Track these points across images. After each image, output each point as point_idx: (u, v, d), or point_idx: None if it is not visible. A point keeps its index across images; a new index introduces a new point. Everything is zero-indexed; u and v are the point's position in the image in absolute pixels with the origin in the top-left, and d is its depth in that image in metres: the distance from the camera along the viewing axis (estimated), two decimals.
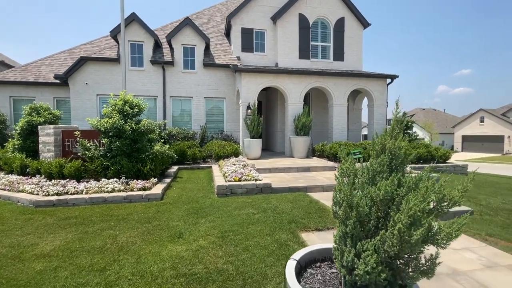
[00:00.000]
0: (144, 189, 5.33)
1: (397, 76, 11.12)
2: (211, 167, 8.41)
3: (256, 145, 9.26)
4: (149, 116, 11.08)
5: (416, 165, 8.49)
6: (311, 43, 12.23)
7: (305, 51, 12.08)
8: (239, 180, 5.72)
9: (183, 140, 10.26)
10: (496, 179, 8.92)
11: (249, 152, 9.31)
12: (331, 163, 8.15)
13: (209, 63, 11.22)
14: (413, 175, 1.82)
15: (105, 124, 5.79)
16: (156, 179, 5.93)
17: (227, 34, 13.27)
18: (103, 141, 5.94)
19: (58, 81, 10.38)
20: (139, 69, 10.86)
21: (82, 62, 10.27)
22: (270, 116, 13.29)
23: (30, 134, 7.43)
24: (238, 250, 3.21)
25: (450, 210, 4.40)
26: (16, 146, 7.36)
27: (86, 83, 10.39)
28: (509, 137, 32.95)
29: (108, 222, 4.09)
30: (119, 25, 10.40)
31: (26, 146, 7.37)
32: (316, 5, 12.08)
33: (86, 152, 5.99)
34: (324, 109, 12.13)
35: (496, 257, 3.22)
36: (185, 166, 8.58)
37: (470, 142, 38.21)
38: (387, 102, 11.32)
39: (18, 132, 7.36)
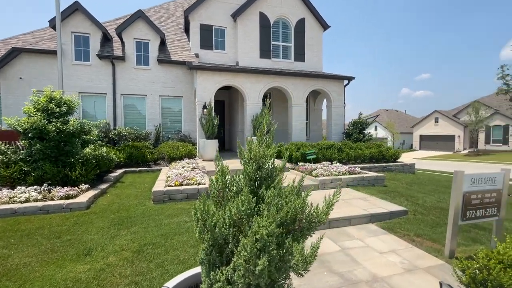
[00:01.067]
0: (67, 197, 4.73)
1: (354, 78, 11.42)
2: (161, 170, 7.90)
3: (211, 146, 8.90)
4: (97, 115, 10.23)
5: (368, 165, 8.71)
6: (272, 42, 12.13)
7: (266, 51, 11.94)
8: (180, 185, 5.34)
9: (134, 141, 9.58)
10: (440, 177, 9.48)
11: (204, 154, 8.93)
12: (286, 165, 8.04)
13: (164, 59, 10.61)
14: (285, 188, 1.60)
15: (24, 124, 5.07)
16: (87, 186, 5.34)
17: (186, 30, 12.70)
18: (22, 143, 5.22)
19: None
20: (85, 63, 9.94)
21: (15, 53, 9.14)
22: (233, 116, 12.99)
23: None
24: (151, 267, 2.87)
25: (388, 210, 4.38)
26: None
27: (21, 78, 9.27)
28: (459, 136, 35.99)
29: (7, 239, 3.51)
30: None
31: None
32: (277, 4, 12.00)
33: (4, 156, 5.21)
34: (285, 109, 12.08)
35: (418, 259, 3.23)
36: (133, 169, 7.97)
37: (427, 141, 41.18)
38: (344, 103, 11.57)
39: None
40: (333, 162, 8.22)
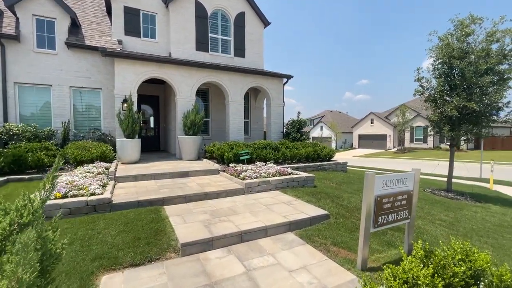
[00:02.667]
0: None
1: (292, 76, 11.31)
2: (60, 175, 6.40)
3: (131, 146, 7.67)
4: None
5: (304, 164, 8.55)
6: (210, 35, 11.28)
7: (203, 43, 11.04)
8: (64, 196, 4.16)
9: (32, 141, 7.73)
10: None
11: (122, 156, 7.65)
12: (216, 166, 7.33)
13: (76, 43, 8.89)
14: None
15: None
16: None
17: (109, 12, 11.01)
18: None
19: None
20: None
21: None
22: (168, 113, 11.76)
23: None
24: None
25: (309, 215, 3.93)
26: None
27: None
28: (390, 136, 40.28)
29: None
30: None
31: None
32: None
33: None
34: (224, 107, 11.39)
35: (329, 276, 2.81)
36: (21, 176, 6.29)
37: (364, 140, 45.17)
38: (283, 102, 11.39)
39: None
40: (268, 162, 7.80)
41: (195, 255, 3.19)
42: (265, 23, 12.52)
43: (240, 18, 11.84)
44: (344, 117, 59.89)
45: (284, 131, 11.44)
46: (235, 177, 6.12)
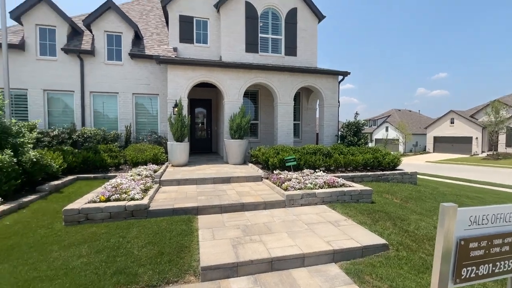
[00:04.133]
0: None
1: (349, 73, 10.11)
2: (116, 176, 6.94)
3: (180, 149, 7.88)
4: (65, 115, 9.46)
5: (361, 173, 7.44)
6: (260, 35, 10.98)
7: (253, 44, 10.81)
8: (107, 200, 4.32)
9: (101, 143, 8.70)
10: (447, 188, 8.06)
11: (172, 158, 7.92)
12: (260, 172, 6.92)
13: (138, 53, 9.70)
14: None
15: None
16: (0, 199, 4.43)
17: (167, 23, 11.77)
18: None
19: None
20: (50, 58, 9.17)
21: None
22: (218, 116, 11.96)
23: None
24: None
25: (361, 243, 3.16)
26: None
27: None
28: (477, 138, 33.50)
29: None
30: (20, 5, 8.72)
31: None
32: None
33: None
34: (273, 108, 10.94)
35: None
36: (87, 175, 7.06)
37: (441, 143, 38.71)
38: (339, 102, 10.29)
39: None
40: (318, 169, 7.01)
41: (216, 281, 2.79)
42: (319, 17, 11.58)
43: (292, 15, 11.21)
44: (415, 117, 52.69)
45: (339, 134, 10.32)
46: (278, 186, 5.58)
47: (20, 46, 8.77)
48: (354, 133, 9.62)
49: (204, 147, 12.74)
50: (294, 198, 4.95)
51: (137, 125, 10.05)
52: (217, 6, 10.50)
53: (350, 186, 5.56)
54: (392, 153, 8.82)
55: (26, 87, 8.99)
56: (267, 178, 6.51)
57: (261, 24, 11.00)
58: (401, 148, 42.41)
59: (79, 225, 3.96)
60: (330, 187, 5.46)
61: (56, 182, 5.99)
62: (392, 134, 44.94)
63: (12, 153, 4.78)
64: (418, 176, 8.55)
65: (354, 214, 4.50)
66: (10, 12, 8.60)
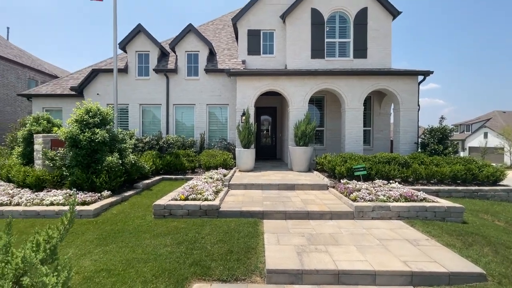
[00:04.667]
0: (83, 203, 4.96)
1: (431, 72, 8.87)
2: (192, 178, 7.80)
3: (246, 156, 8.32)
4: (153, 124, 11.18)
5: (448, 187, 6.39)
6: (326, 40, 10.75)
7: (318, 50, 10.66)
8: (186, 199, 4.92)
9: (180, 149, 9.94)
10: None
11: (240, 164, 8.43)
12: (325, 181, 6.70)
13: (211, 68, 10.77)
14: None
15: (64, 134, 5.69)
16: (109, 193, 5.57)
17: (237, 38, 12.70)
18: (62, 151, 5.87)
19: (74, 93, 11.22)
20: (145, 78, 11.06)
21: (94, 74, 10.93)
22: (283, 123, 12.15)
23: (30, 143, 7.95)
24: None
25: (448, 269, 2.78)
26: (19, 153, 7.95)
27: (98, 94, 11.01)
28: None
29: None
30: (125, 37, 10.84)
31: (26, 154, 7.90)
32: None
33: (50, 161, 5.99)
34: (340, 114, 10.46)
35: None
36: (170, 176, 8.16)
37: None
38: (418, 105, 9.11)
39: (20, 140, 7.95)
40: (392, 181, 6.36)
41: (281, 285, 2.84)
42: (394, 13, 10.61)
43: (362, 15, 10.60)
44: None
45: (419, 141, 9.11)
46: (345, 196, 5.30)
47: (124, 70, 10.89)
48: (439, 140, 8.33)
49: (269, 154, 13.08)
50: (364, 210, 4.61)
51: (209, 132, 11.10)
52: (283, 17, 10.79)
53: (433, 202, 4.85)
54: (493, 164, 7.28)
55: (127, 102, 11.06)
56: (333, 187, 6.26)
57: (327, 29, 10.77)
58: (507, 159, 34.28)
59: (164, 218, 4.62)
60: (408, 201, 4.87)
61: (147, 181, 7.13)
62: (494, 141, 36.80)
63: (118, 155, 5.95)
64: None
65: (439, 234, 3.90)
66: (118, 44, 10.79)
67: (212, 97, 10.99)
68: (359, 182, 6.11)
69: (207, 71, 10.81)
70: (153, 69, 10.84)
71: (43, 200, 5.02)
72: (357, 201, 4.89)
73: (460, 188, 6.33)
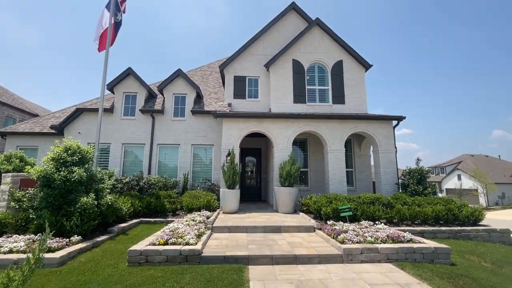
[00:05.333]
0: (48, 250, 4.44)
1: (404, 118, 9.60)
2: (173, 221, 7.34)
3: (231, 196, 8.10)
4: (135, 164, 10.85)
5: (432, 228, 6.42)
6: (307, 87, 11.59)
7: (300, 95, 11.40)
8: (165, 243, 4.56)
9: (162, 190, 9.54)
10: None
11: (223, 205, 8.14)
12: (312, 222, 6.54)
13: (198, 110, 11.06)
14: None
15: (37, 173, 5.35)
16: (78, 238, 5.06)
17: (223, 83, 13.41)
18: (31, 191, 5.45)
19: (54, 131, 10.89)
20: (130, 118, 11.08)
21: (78, 113, 10.84)
22: (268, 164, 12.22)
23: None
24: None
25: None
26: None
27: (79, 133, 10.76)
28: None
29: None
30: (114, 79, 11.12)
31: None
32: (311, 50, 11.79)
33: (16, 203, 5.50)
34: (323, 156, 10.76)
35: None
36: (149, 219, 7.65)
37: None
38: (395, 147, 9.61)
39: None
40: (378, 222, 6.33)
41: None
42: (366, 66, 11.83)
43: (338, 67, 11.72)
44: (495, 163, 45.05)
45: (399, 182, 9.38)
46: (333, 238, 5.15)
47: (110, 109, 10.91)
48: (417, 181, 8.63)
49: (254, 195, 12.82)
50: (352, 253, 4.46)
51: (193, 173, 10.87)
52: (267, 66, 11.69)
53: (420, 243, 4.81)
54: (470, 205, 7.51)
55: (110, 141, 10.83)
56: (320, 229, 6.10)
57: (307, 78, 11.70)
58: (482, 200, 35.68)
59: (140, 266, 4.19)
60: (395, 242, 4.80)
61: (123, 225, 6.62)
62: (468, 183, 38.61)
63: (94, 196, 5.59)
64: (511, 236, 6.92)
65: (430, 277, 3.78)
66: (106, 85, 11.00)
67: (197, 137, 11.06)
68: (346, 224, 6.02)
69: (193, 112, 11.06)
70: (140, 110, 10.95)
71: (0, 247, 4.45)
72: (345, 243, 4.75)
73: (444, 228, 6.37)
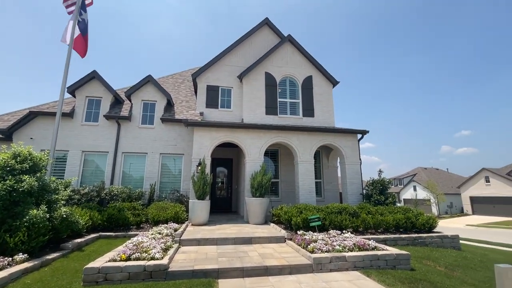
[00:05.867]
0: None
1: (367, 132, 10.28)
2: (137, 235, 6.86)
3: (201, 207, 7.84)
4: (96, 174, 10.06)
5: (394, 235, 6.80)
6: (279, 99, 11.91)
7: (272, 107, 11.65)
8: (128, 259, 4.22)
9: (126, 201, 8.92)
10: (499, 256, 7.02)
11: (193, 216, 7.83)
12: (282, 233, 6.56)
13: (168, 118, 10.71)
14: None
15: None
16: (24, 256, 4.47)
17: (196, 91, 13.23)
18: None
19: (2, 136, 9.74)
20: (92, 124, 10.33)
21: (31, 116, 9.85)
22: (239, 175, 12.13)
23: None
24: None
25: None
26: None
27: (31, 138, 9.75)
28: None
29: None
30: (77, 82, 10.38)
31: None
32: (282, 64, 12.22)
33: None
34: (294, 167, 10.99)
35: None
36: (109, 233, 7.05)
37: (480, 204, 35.23)
38: (360, 159, 10.18)
39: None
40: (345, 230, 6.55)
41: None
42: (333, 82, 12.55)
43: (308, 82, 12.27)
44: (444, 175, 49.79)
45: (364, 192, 9.89)
46: (303, 248, 5.20)
47: (70, 114, 10.09)
48: (380, 191, 9.19)
49: (224, 207, 12.56)
50: (322, 262, 4.53)
51: (161, 183, 10.36)
52: (240, 77, 11.82)
53: (383, 250, 5.06)
54: (425, 214, 8.14)
55: (67, 148, 9.93)
56: (290, 239, 6.13)
57: (279, 90, 12.04)
58: (434, 210, 38.94)
59: (97, 286, 3.81)
60: (361, 250, 5.00)
61: (79, 240, 6.01)
62: (422, 194, 42.03)
63: (46, 209, 5.02)
64: (461, 241, 7.63)
65: (393, 283, 3.97)
66: (67, 87, 10.20)
67: (167, 146, 10.64)
68: (315, 233, 6.13)
69: (163, 120, 10.69)
70: (104, 115, 10.27)
71: None
72: (315, 253, 4.82)
73: (403, 236, 6.80)
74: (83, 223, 6.25)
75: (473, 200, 36.39)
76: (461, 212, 38.44)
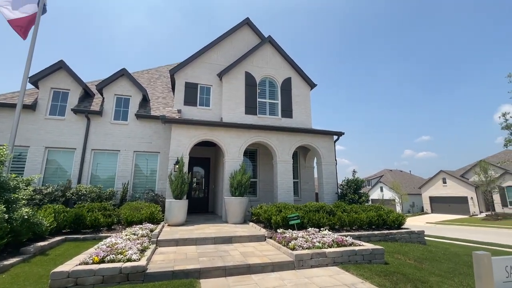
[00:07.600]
0: None
1: (343, 133, 10.70)
2: (110, 236, 6.44)
3: (178, 207, 7.58)
4: (60, 172, 9.29)
5: (367, 232, 7.13)
6: (259, 99, 11.96)
7: (251, 107, 11.66)
8: (101, 261, 3.93)
9: (95, 201, 8.34)
10: (458, 249, 7.68)
11: (169, 217, 7.55)
12: (262, 232, 6.57)
13: (143, 114, 10.23)
14: None
15: None
16: None
17: (173, 88, 12.83)
18: None
19: None
20: (58, 118, 9.54)
21: None
22: (217, 174, 11.95)
23: None
24: None
25: None
26: None
27: None
28: (472, 198, 33.51)
29: None
30: (41, 71, 9.53)
31: None
32: (263, 65, 12.29)
33: None
34: (272, 167, 11.09)
35: None
36: (77, 236, 6.53)
37: (438, 203, 38.36)
38: (335, 160, 10.57)
39: None
40: (323, 228, 6.73)
41: None
42: (311, 85, 12.89)
43: (287, 83, 12.47)
44: (407, 177, 53.49)
45: (339, 192, 10.27)
46: (284, 246, 5.25)
47: (31, 107, 9.22)
48: (354, 190, 9.60)
49: (201, 207, 12.29)
50: (303, 259, 4.61)
51: (134, 182, 9.86)
52: (220, 75, 11.68)
53: (360, 245, 5.28)
54: (395, 212, 8.66)
55: (28, 144, 9.07)
56: (271, 238, 6.16)
57: (259, 91, 12.09)
58: (398, 209, 41.60)
59: None
60: (340, 246, 5.17)
61: (42, 243, 5.48)
62: (388, 194, 44.71)
63: (4, 209, 4.52)
64: (425, 237, 8.22)
65: (370, 276, 4.15)
66: (29, 77, 9.31)
67: (141, 143, 10.16)
68: (295, 231, 6.23)
69: (138, 116, 10.19)
70: (72, 109, 9.53)
71: None
72: (296, 250, 4.88)
73: (376, 232, 7.16)
74: (47, 224, 5.73)
75: (432, 199, 39.52)
76: (422, 211, 41.53)
